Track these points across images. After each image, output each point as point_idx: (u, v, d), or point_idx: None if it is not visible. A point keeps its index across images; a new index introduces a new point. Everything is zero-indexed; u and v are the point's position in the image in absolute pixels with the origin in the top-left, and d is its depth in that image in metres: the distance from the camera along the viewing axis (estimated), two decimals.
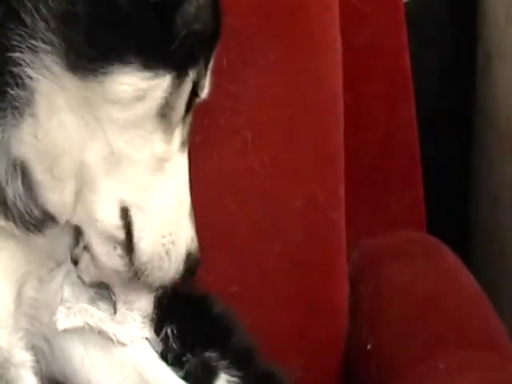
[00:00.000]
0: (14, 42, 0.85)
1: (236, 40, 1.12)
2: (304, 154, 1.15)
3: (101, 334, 1.01)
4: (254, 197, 1.13)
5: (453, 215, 1.50)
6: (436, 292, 1.11)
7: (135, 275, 0.96)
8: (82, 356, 1.04)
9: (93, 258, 0.98)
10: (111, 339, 1.02)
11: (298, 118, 1.14)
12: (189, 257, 0.97)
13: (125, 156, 0.90)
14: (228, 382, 1.02)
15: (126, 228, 0.93)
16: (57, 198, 0.91)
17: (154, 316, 1.04)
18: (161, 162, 0.93)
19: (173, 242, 0.95)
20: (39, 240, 0.96)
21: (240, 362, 1.02)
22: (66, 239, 1.03)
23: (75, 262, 1.00)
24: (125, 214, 0.93)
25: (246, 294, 1.12)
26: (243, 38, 1.13)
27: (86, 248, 0.99)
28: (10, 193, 0.90)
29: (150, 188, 0.93)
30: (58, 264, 1.04)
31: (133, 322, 1.03)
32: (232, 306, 1.06)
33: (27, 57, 0.85)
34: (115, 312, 1.03)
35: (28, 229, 0.92)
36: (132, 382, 1.02)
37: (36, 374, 0.94)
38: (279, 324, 1.14)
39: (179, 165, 0.96)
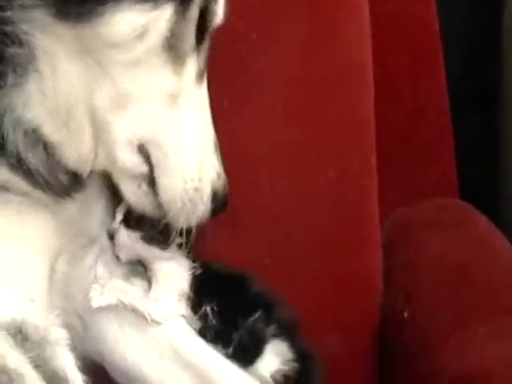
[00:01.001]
0: (1, 3, 0.83)
1: (262, 15, 1.12)
2: (336, 122, 1.13)
3: (134, 311, 1.01)
4: (286, 168, 1.12)
5: (482, 188, 1.48)
6: (467, 261, 1.10)
7: (162, 217, 0.94)
8: (116, 334, 1.03)
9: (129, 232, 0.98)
10: (145, 317, 1.02)
11: (328, 86, 1.13)
12: (215, 196, 0.94)
13: (133, 96, 0.87)
14: (277, 346, 1.01)
15: (148, 162, 0.91)
16: (76, 152, 0.90)
17: (191, 294, 1.03)
18: (174, 97, 0.89)
19: (196, 189, 0.93)
20: (70, 210, 0.95)
21: (286, 330, 1.01)
22: (98, 214, 1.03)
23: (111, 237, 1.01)
24: (144, 149, 0.91)
25: (278, 266, 1.11)
26: (269, 11, 1.13)
27: (122, 222, 1.00)
28: (31, 160, 0.88)
29: (164, 125, 0.90)
30: (91, 241, 1.04)
31: (167, 300, 1.02)
32: (264, 279, 1.06)
33: (18, 14, 0.83)
34: (150, 289, 1.02)
35: (57, 194, 0.91)
36: (168, 360, 1.02)
37: (72, 352, 0.94)
38: (312, 297, 1.13)
39: (196, 98, 0.91)
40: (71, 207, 0.96)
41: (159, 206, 0.93)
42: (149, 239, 1.02)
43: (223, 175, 0.95)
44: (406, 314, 1.07)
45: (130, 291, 1.02)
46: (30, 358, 0.88)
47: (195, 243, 1.03)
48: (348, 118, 1.14)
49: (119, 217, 1.01)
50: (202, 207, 0.93)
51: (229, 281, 1.04)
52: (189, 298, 1.03)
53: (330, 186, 1.13)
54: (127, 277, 1.04)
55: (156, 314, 1.01)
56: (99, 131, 0.89)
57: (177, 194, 0.92)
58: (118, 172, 0.92)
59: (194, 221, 0.94)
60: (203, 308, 1.02)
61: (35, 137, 0.88)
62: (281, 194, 1.12)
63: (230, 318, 1.01)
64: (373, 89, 1.16)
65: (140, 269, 1.05)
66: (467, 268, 1.09)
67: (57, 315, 0.94)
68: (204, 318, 1.02)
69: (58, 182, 0.91)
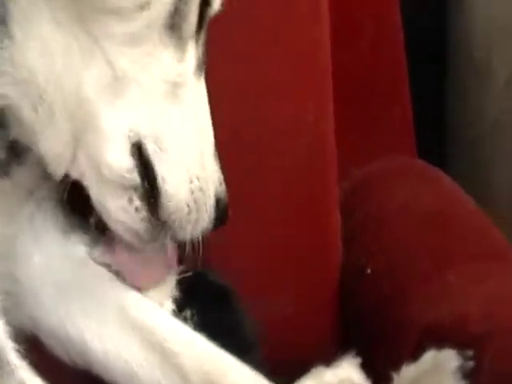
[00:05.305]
0: None
1: None
2: (292, 67, 1.07)
3: None
4: (244, 110, 1.04)
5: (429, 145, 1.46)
6: (436, 209, 1.05)
7: (161, 231, 0.81)
8: (55, 297, 0.95)
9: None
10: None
11: (283, 27, 1.06)
12: (219, 203, 0.83)
13: (131, 79, 0.76)
14: None
15: (143, 168, 0.78)
16: (51, 144, 0.76)
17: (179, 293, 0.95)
18: (175, 87, 0.79)
19: (201, 189, 0.80)
20: (5, 184, 0.83)
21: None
22: (36, 171, 0.94)
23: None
24: (138, 150, 0.77)
25: (233, 223, 1.04)
26: None
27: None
28: None
29: (165, 118, 0.78)
30: (27, 193, 0.95)
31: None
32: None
33: None
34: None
35: None
36: (112, 321, 0.92)
37: (3, 316, 0.85)
38: (270, 254, 1.07)
39: (197, 92, 0.82)
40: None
41: (152, 224, 0.80)
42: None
43: (223, 182, 0.84)
44: (368, 271, 1.02)
45: None
46: None
47: None
48: (305, 62, 1.07)
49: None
50: (207, 214, 0.82)
51: (214, 292, 0.97)
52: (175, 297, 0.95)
53: (284, 136, 1.07)
54: (66, 232, 0.94)
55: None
56: (83, 128, 0.76)
57: (182, 196, 0.79)
58: (103, 182, 0.77)
59: (198, 231, 0.82)
60: (185, 311, 0.94)
61: None
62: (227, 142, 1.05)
63: (206, 331, 0.93)
64: (329, 35, 1.09)
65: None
66: (437, 216, 1.04)
67: None
68: (183, 321, 0.94)
69: None
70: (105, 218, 0.80)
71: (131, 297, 0.94)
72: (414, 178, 1.14)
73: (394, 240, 1.04)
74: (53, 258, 0.93)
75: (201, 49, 0.83)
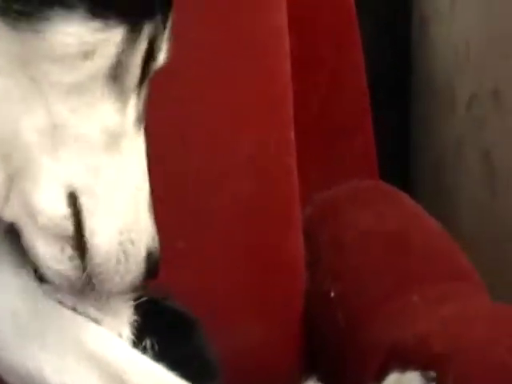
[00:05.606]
0: None
1: None
2: (249, 95, 1.07)
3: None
4: (198, 144, 1.05)
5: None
6: (400, 230, 1.06)
7: (88, 282, 0.80)
8: (14, 334, 0.92)
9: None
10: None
11: (240, 57, 1.07)
12: (149, 257, 0.82)
13: (70, 128, 0.76)
14: None
15: (76, 217, 0.78)
16: None
17: (138, 319, 0.91)
18: (115, 138, 0.79)
19: (132, 241, 0.81)
20: None
21: None
22: None
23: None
24: (73, 201, 0.78)
25: (194, 250, 1.03)
26: None
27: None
28: None
29: (101, 170, 0.78)
30: None
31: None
32: (179, 265, 0.98)
33: None
34: None
35: None
36: (71, 354, 0.90)
37: None
38: (233, 283, 1.06)
39: (136, 145, 0.81)
40: None
41: (84, 273, 0.80)
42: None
43: (157, 237, 0.84)
44: (332, 294, 1.01)
45: None
46: None
47: None
48: (262, 90, 1.08)
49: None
50: (137, 267, 0.81)
51: (174, 319, 0.95)
52: (135, 323, 0.92)
53: (247, 163, 1.07)
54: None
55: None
56: (18, 172, 0.76)
57: (110, 248, 0.79)
58: (36, 229, 0.77)
59: (126, 284, 0.82)
60: (144, 341, 0.91)
61: None
62: (194, 173, 1.04)
63: (166, 360, 0.90)
64: (289, 61, 1.10)
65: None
66: (401, 236, 1.04)
67: None
68: (143, 351, 0.92)
69: None
70: (37, 263, 0.80)
71: (89, 329, 0.92)
72: (377, 200, 1.14)
73: (357, 263, 1.04)
74: (11, 296, 0.90)
75: (142, 102, 0.83)
